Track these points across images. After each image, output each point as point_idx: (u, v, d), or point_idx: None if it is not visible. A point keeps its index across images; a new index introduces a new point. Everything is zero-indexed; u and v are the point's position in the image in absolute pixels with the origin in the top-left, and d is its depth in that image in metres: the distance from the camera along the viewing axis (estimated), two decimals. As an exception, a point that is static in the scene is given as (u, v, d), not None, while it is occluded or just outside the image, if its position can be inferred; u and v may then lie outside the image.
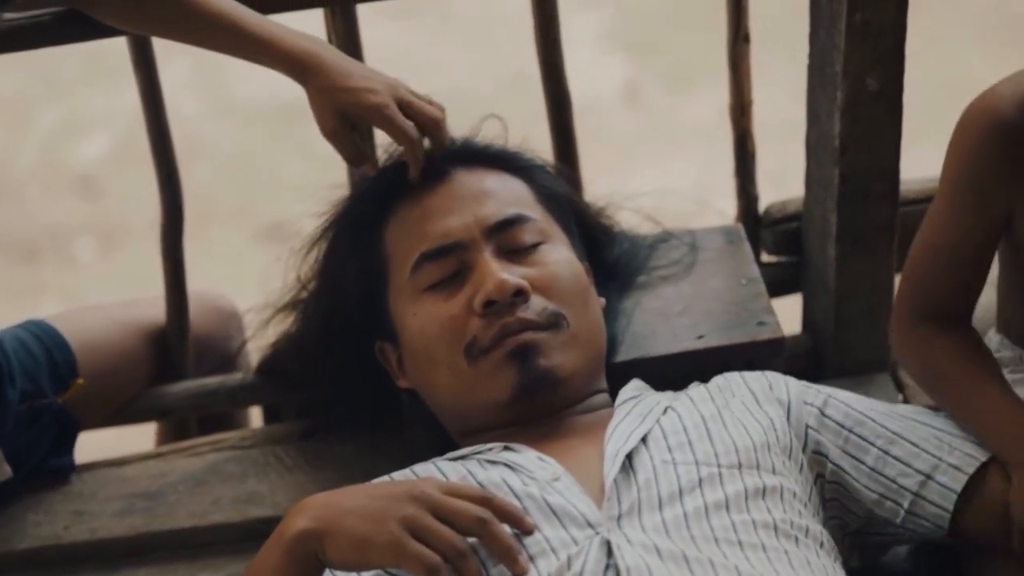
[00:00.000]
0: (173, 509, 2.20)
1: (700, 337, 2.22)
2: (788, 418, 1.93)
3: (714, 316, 2.24)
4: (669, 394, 1.99)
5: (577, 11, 4.45)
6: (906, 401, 2.27)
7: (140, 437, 2.63)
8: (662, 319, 2.24)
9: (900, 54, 2.12)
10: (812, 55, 2.23)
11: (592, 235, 2.20)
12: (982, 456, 1.90)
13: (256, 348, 2.34)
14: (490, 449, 1.90)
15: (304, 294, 2.20)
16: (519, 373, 1.93)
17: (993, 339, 2.08)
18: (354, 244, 2.09)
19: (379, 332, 2.07)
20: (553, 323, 1.95)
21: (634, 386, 2.01)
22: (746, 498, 1.80)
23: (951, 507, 1.88)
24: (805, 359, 2.37)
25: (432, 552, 1.69)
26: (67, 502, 2.22)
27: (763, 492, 1.81)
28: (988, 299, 2.10)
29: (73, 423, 2.24)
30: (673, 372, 2.14)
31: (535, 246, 2.01)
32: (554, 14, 2.32)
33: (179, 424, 2.46)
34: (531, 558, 1.74)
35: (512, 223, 2.01)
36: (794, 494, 1.84)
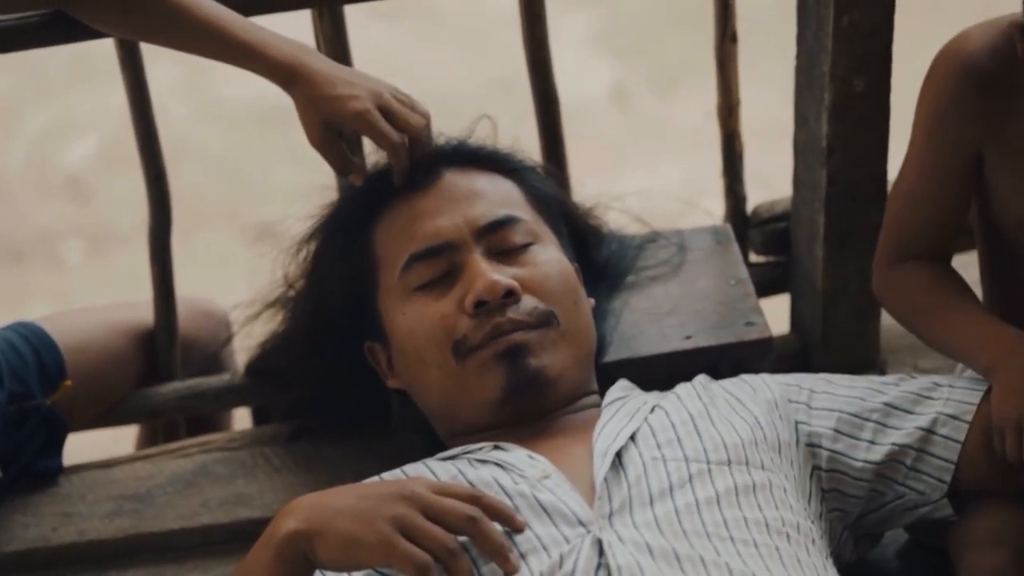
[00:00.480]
0: (162, 511, 2.20)
1: (688, 337, 2.22)
2: (777, 416, 1.93)
3: (702, 316, 2.24)
4: (656, 393, 2.00)
5: (565, 12, 4.45)
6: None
7: (129, 439, 2.63)
8: (651, 319, 2.25)
9: (887, 56, 2.12)
10: (799, 56, 2.23)
11: (581, 236, 2.20)
12: (974, 400, 1.91)
13: (243, 348, 2.34)
14: (480, 448, 1.90)
15: (291, 293, 2.20)
16: (508, 373, 1.93)
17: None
18: (343, 245, 2.09)
19: (368, 333, 2.07)
20: (543, 322, 1.96)
21: (621, 386, 2.02)
22: (736, 494, 1.81)
23: (955, 458, 1.89)
24: (793, 359, 2.37)
25: (422, 551, 1.70)
26: (55, 504, 2.22)
27: (753, 488, 1.82)
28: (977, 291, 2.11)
29: (61, 425, 2.23)
30: (661, 372, 2.15)
31: (525, 247, 2.01)
32: (541, 14, 2.33)
33: (167, 426, 2.46)
34: (522, 556, 1.74)
35: (502, 224, 2.01)
36: (784, 490, 1.85)
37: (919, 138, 1.96)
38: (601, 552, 1.73)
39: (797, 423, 1.94)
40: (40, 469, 2.23)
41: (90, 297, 3.70)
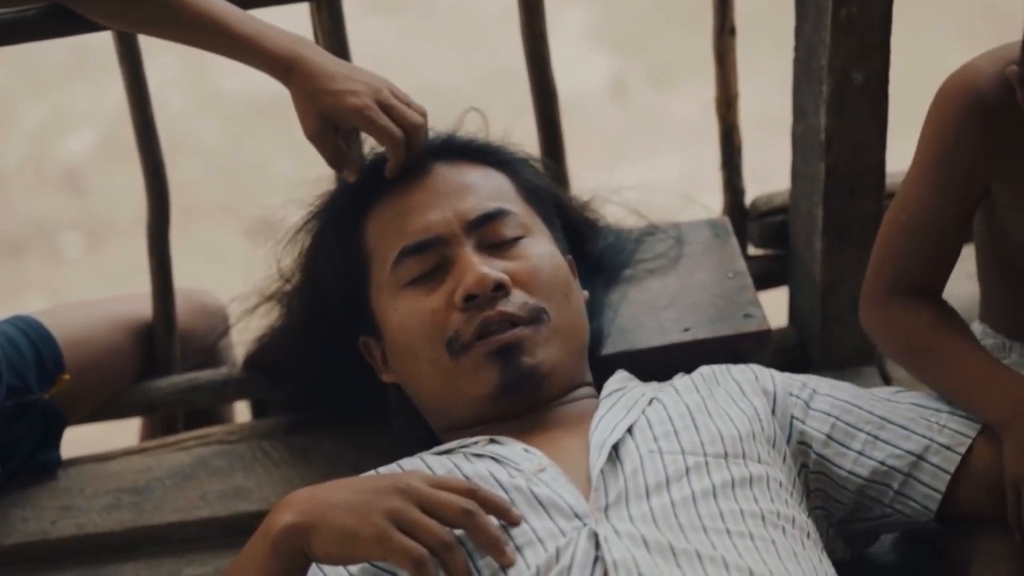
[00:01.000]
0: (160, 504, 2.20)
1: (686, 330, 2.22)
2: (773, 408, 1.94)
3: (700, 309, 2.24)
4: (654, 385, 2.00)
5: (563, 6, 4.46)
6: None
7: (127, 432, 2.63)
8: (648, 312, 2.25)
9: (885, 48, 2.12)
10: (798, 49, 2.23)
11: (576, 228, 2.20)
12: (971, 432, 1.90)
13: (240, 341, 2.34)
14: (476, 442, 1.90)
15: (287, 287, 2.20)
16: (502, 371, 1.93)
17: (976, 329, 2.08)
18: (335, 240, 2.09)
19: (362, 327, 2.07)
20: (535, 318, 1.95)
21: (619, 378, 2.02)
22: (733, 487, 1.80)
23: (943, 488, 1.89)
24: (791, 352, 2.37)
25: (418, 545, 1.70)
26: (54, 497, 2.22)
27: (750, 481, 1.82)
28: (971, 291, 2.11)
29: (59, 418, 2.23)
30: (659, 365, 2.14)
31: (516, 240, 2.01)
32: (540, 7, 2.33)
33: (165, 419, 2.46)
34: (518, 549, 1.74)
35: (493, 217, 2.01)
36: (780, 483, 1.85)
37: (923, 170, 1.91)
38: (597, 546, 1.73)
39: (792, 418, 1.94)
40: (38, 463, 2.23)
41: (88, 291, 3.70)
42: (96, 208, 4.19)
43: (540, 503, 1.78)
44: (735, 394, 1.94)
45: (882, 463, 1.90)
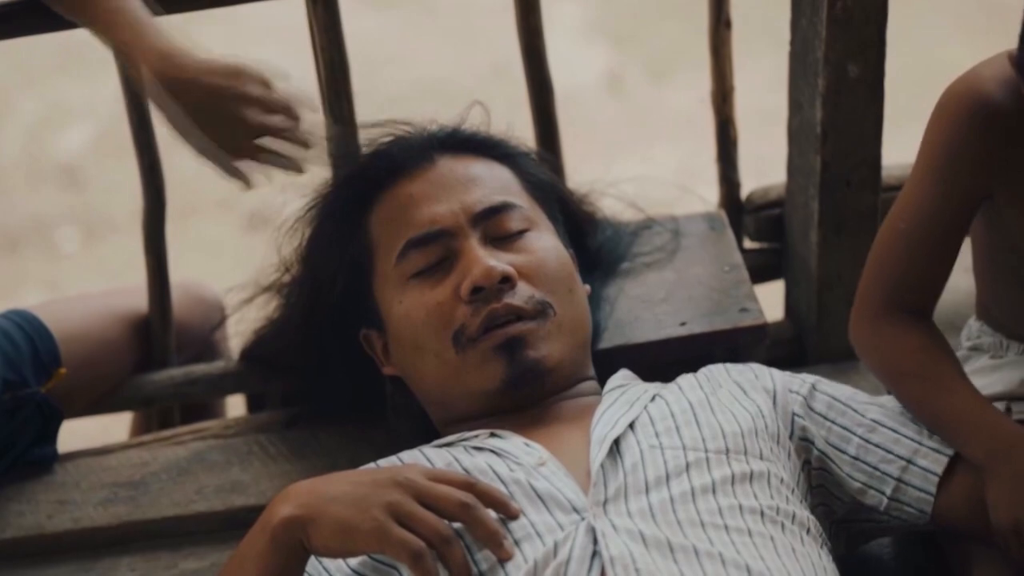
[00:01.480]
0: (156, 498, 2.20)
1: (683, 324, 2.22)
2: (775, 405, 1.93)
3: (697, 303, 2.24)
4: (657, 384, 2.00)
5: (559, 0, 4.45)
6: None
7: (123, 426, 2.63)
8: (645, 306, 2.25)
9: (881, 41, 2.12)
10: (794, 43, 2.23)
11: (576, 222, 2.20)
12: None
13: (238, 333, 2.33)
14: (476, 436, 1.90)
15: (286, 278, 2.20)
16: (508, 365, 1.93)
17: (973, 326, 2.08)
18: (338, 232, 2.08)
19: (364, 320, 2.07)
20: (540, 312, 1.95)
21: (622, 375, 2.02)
22: (733, 483, 1.80)
23: (934, 489, 1.88)
24: (788, 346, 2.37)
25: (416, 538, 1.70)
26: (50, 492, 2.22)
27: (750, 477, 1.82)
28: (968, 285, 2.10)
29: (56, 413, 2.23)
30: (656, 359, 2.15)
31: (521, 233, 2.01)
32: (535, 1, 2.33)
33: (162, 413, 2.46)
34: (516, 542, 1.74)
35: (498, 210, 2.01)
36: (781, 480, 1.85)
37: (925, 177, 1.90)
38: (595, 540, 1.73)
39: (794, 415, 1.94)
40: (35, 457, 2.23)
41: (85, 285, 3.70)
42: (93, 203, 4.19)
43: (539, 497, 1.78)
44: (737, 393, 1.94)
45: (875, 468, 1.90)
